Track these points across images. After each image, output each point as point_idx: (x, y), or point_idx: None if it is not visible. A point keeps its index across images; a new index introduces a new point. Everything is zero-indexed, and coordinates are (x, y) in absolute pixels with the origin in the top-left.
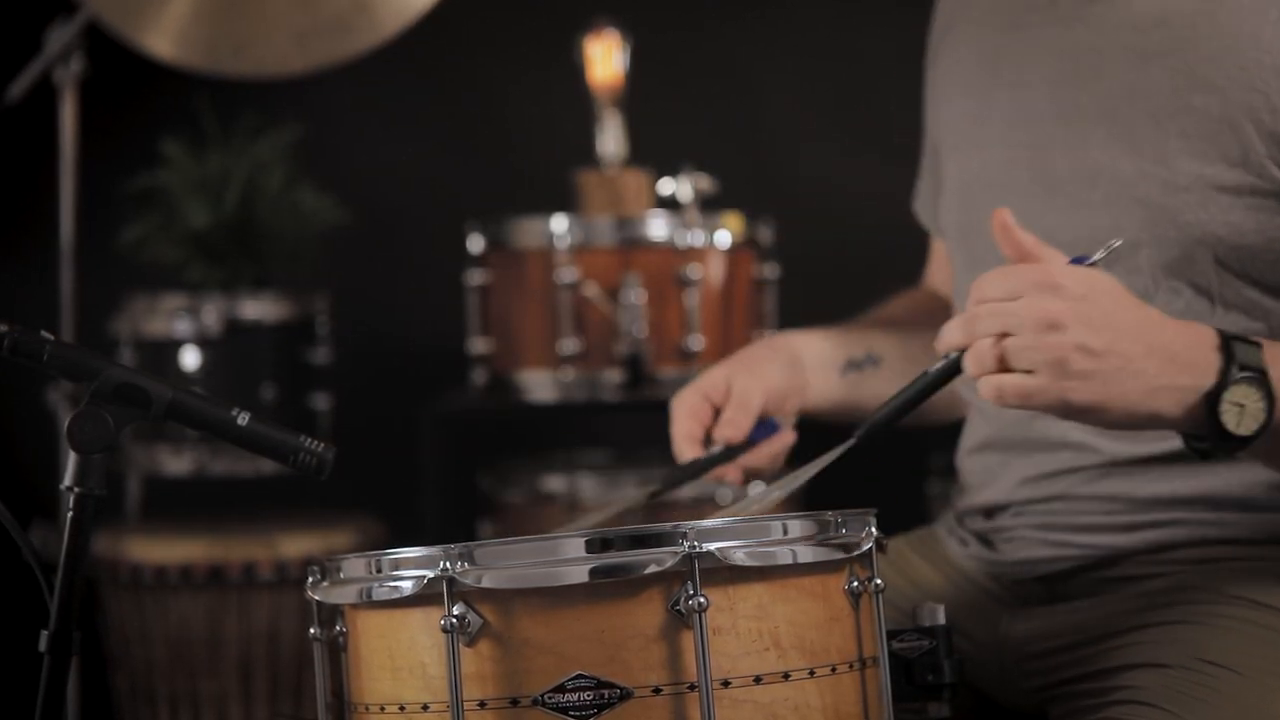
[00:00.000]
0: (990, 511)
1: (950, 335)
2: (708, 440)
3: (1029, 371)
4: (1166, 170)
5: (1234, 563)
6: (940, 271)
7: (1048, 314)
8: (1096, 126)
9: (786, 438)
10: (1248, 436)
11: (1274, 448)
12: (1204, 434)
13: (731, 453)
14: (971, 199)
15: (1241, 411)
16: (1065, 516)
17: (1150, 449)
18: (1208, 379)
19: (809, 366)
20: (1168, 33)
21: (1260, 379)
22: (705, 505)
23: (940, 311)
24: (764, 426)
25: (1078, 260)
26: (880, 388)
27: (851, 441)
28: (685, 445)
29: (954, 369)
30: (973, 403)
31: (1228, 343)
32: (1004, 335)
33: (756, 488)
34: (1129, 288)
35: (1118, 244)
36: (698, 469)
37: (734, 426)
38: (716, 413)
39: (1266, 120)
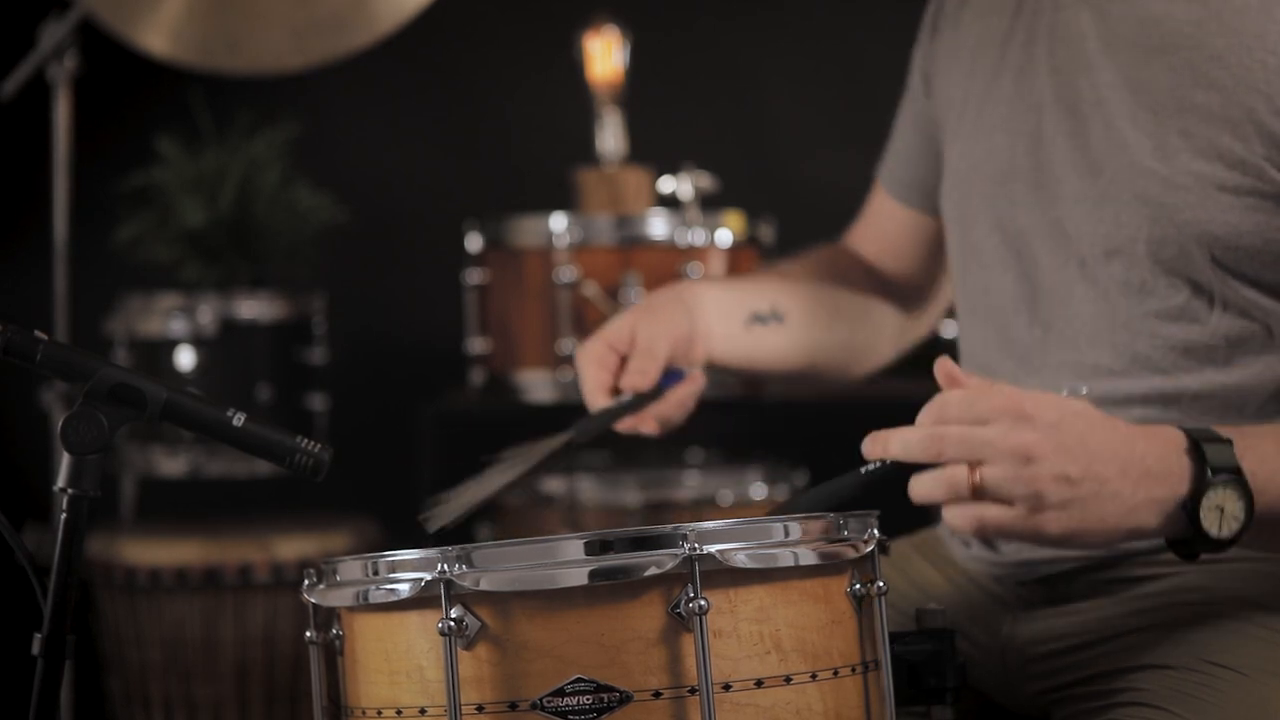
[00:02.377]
0: None
1: (906, 447)
2: (617, 391)
3: (1006, 503)
4: (1166, 167)
5: (1238, 564)
6: (871, 232)
7: (1023, 445)
8: (1096, 117)
9: (695, 383)
10: (1229, 539)
11: (1263, 537)
12: (1188, 538)
13: (641, 400)
14: (972, 187)
15: (1221, 515)
16: None
17: None
18: (1183, 487)
19: (712, 315)
20: (1172, 28)
21: (1236, 479)
22: (705, 507)
23: (852, 270)
24: (671, 375)
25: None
26: (781, 343)
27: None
28: (596, 395)
29: (892, 475)
30: None
31: (1197, 446)
32: (976, 463)
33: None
34: (1128, 281)
35: (1084, 390)
36: (609, 417)
37: (642, 375)
38: (624, 362)
39: (1268, 122)
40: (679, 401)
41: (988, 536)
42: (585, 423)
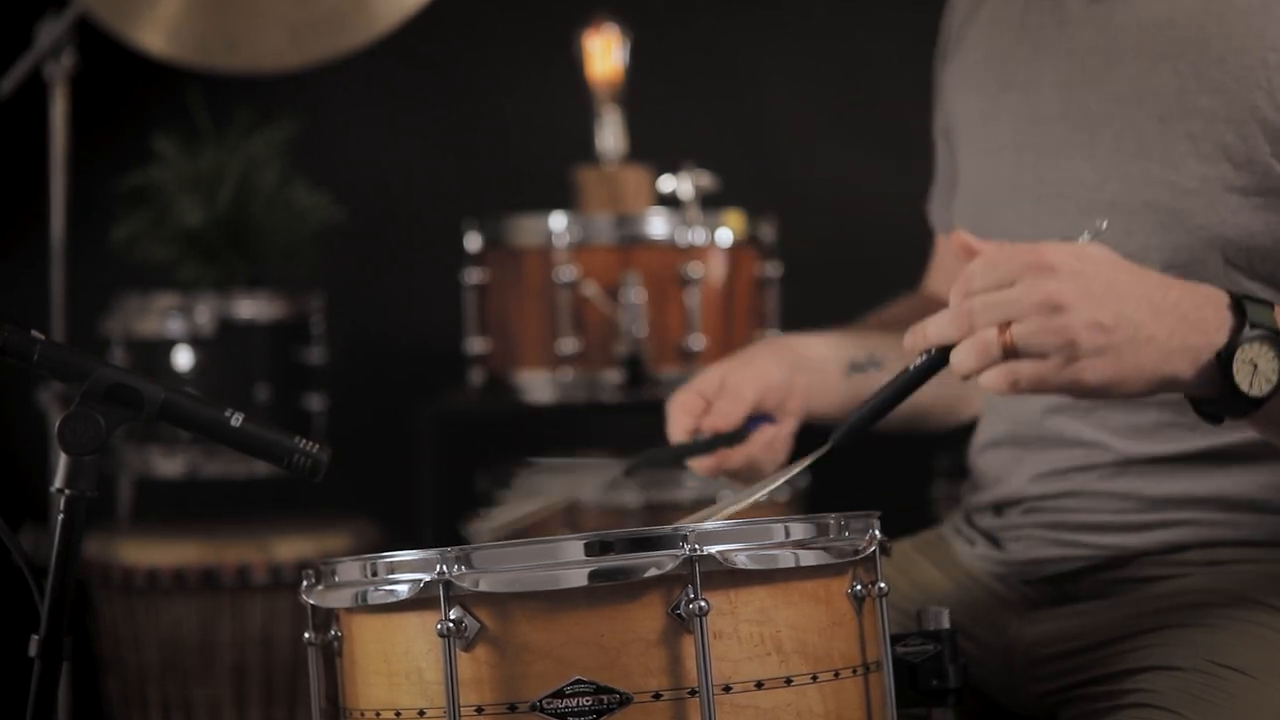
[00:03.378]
0: (1000, 507)
1: (940, 330)
2: (699, 433)
3: (1040, 357)
4: (1174, 173)
5: (1246, 565)
6: (941, 274)
7: (1049, 296)
8: (1104, 129)
9: (784, 428)
10: (1260, 397)
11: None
12: (1216, 395)
13: (719, 441)
14: (982, 203)
15: (1255, 371)
16: (1076, 514)
17: (1164, 449)
18: (1220, 337)
19: (810, 368)
20: (1175, 34)
21: (1274, 338)
22: (705, 508)
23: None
24: (759, 419)
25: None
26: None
27: (827, 446)
28: (679, 436)
29: (938, 364)
30: (987, 400)
31: (1239, 301)
32: (1006, 324)
33: (726, 495)
34: None
35: (1104, 225)
36: (682, 452)
37: (724, 417)
38: (710, 409)
39: (1271, 118)
40: (767, 444)
41: (1024, 391)
42: (655, 453)
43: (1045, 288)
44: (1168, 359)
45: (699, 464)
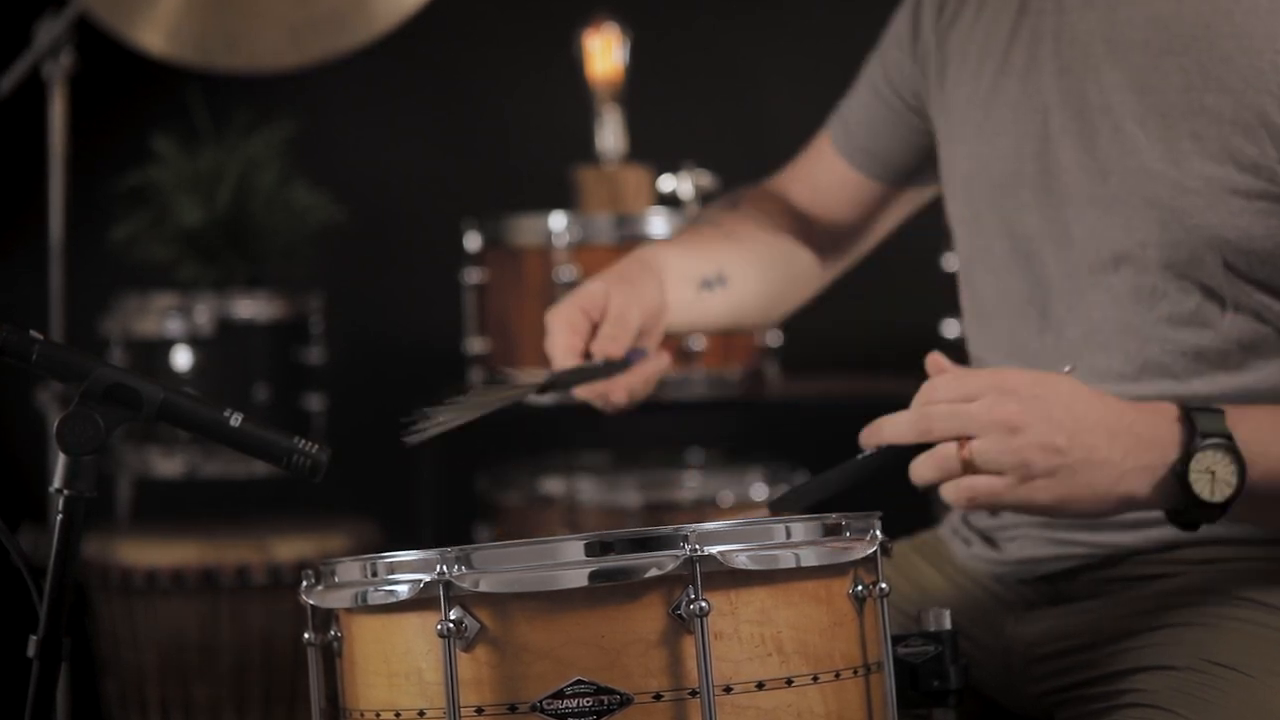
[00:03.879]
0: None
1: (896, 430)
2: (587, 356)
3: (996, 474)
4: (1177, 171)
5: (1241, 563)
6: (807, 179)
7: (1008, 416)
8: (1104, 120)
9: (661, 361)
10: (1223, 503)
11: (1260, 509)
12: (1181, 507)
13: (611, 368)
14: (978, 191)
15: (1213, 479)
16: None
17: None
18: (1172, 452)
19: (673, 284)
20: (1181, 29)
21: (1226, 444)
22: (707, 508)
23: (782, 220)
24: (639, 351)
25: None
26: (720, 307)
27: (767, 512)
28: (565, 358)
29: (886, 462)
30: None
31: (1189, 414)
32: (965, 438)
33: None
34: (1139, 287)
35: (1067, 369)
36: (579, 376)
37: (614, 342)
38: (594, 329)
39: (1279, 123)
40: (645, 377)
41: (981, 508)
42: (557, 376)
43: (1005, 408)
44: (1122, 479)
45: (588, 390)
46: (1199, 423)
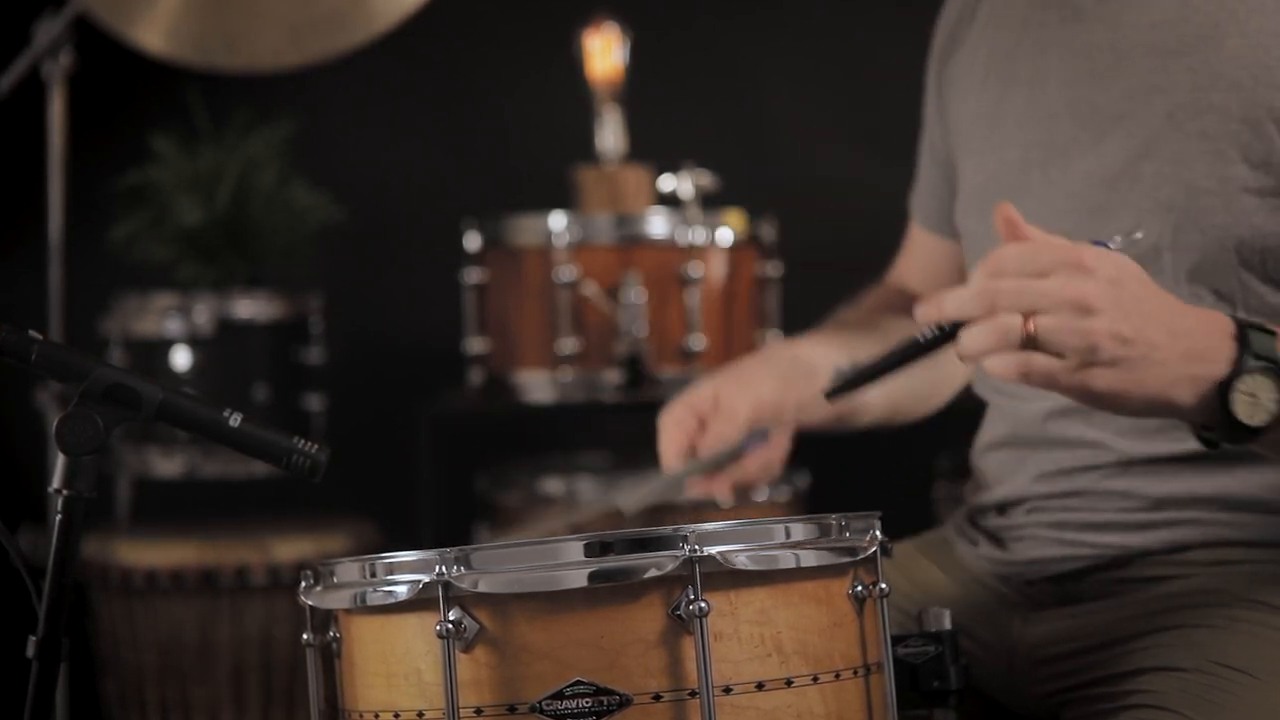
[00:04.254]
0: (1004, 507)
1: (960, 305)
2: (694, 455)
3: (1057, 354)
4: (1187, 172)
5: (1249, 565)
6: (915, 265)
7: (1082, 296)
8: (1114, 127)
9: (779, 445)
10: (1259, 428)
11: None
12: (1215, 423)
13: (719, 461)
14: (986, 203)
15: (1254, 402)
16: (1080, 513)
17: (1168, 449)
18: (1221, 368)
19: (802, 378)
20: (1187, 30)
21: (1274, 370)
22: (706, 509)
23: (908, 308)
24: (755, 435)
25: (1097, 244)
26: (865, 397)
27: (823, 405)
28: (670, 458)
29: (949, 339)
30: (990, 402)
31: (1243, 331)
32: (1030, 313)
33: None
34: None
35: (1139, 235)
36: (682, 476)
37: (719, 439)
38: (703, 426)
39: None
40: (763, 464)
41: (1032, 384)
42: (656, 485)
43: (1080, 287)
44: (1173, 384)
45: (696, 485)
46: (1252, 342)
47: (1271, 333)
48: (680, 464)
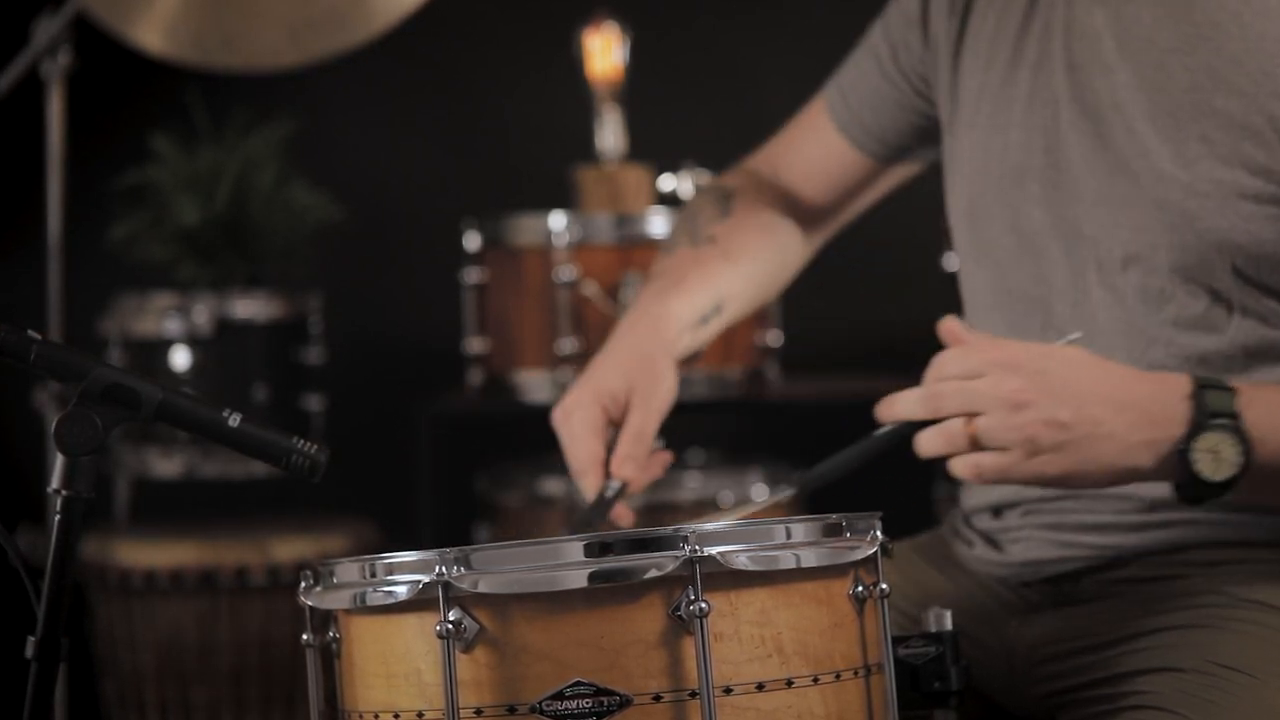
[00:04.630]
0: (999, 510)
1: (909, 407)
2: (610, 482)
3: (1002, 450)
4: (1187, 173)
5: (1246, 565)
6: (803, 157)
7: (1012, 393)
8: (1117, 120)
9: (663, 459)
10: (1225, 482)
11: (1267, 490)
12: (1183, 482)
13: (624, 488)
14: (985, 183)
15: (1216, 458)
16: (1075, 515)
17: None
18: (1178, 429)
19: (675, 333)
20: (1189, 28)
21: (1232, 425)
22: (707, 509)
23: (775, 204)
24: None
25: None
26: (716, 328)
27: (791, 491)
28: (590, 469)
29: (902, 436)
30: None
31: (1199, 391)
32: (972, 414)
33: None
34: (1146, 289)
35: (1076, 336)
36: (604, 509)
37: (633, 463)
38: (612, 429)
39: None
40: (649, 479)
41: (989, 482)
42: (585, 514)
43: (1009, 384)
44: (1127, 453)
45: (619, 516)
46: (1209, 401)
47: (1230, 389)
48: (597, 475)
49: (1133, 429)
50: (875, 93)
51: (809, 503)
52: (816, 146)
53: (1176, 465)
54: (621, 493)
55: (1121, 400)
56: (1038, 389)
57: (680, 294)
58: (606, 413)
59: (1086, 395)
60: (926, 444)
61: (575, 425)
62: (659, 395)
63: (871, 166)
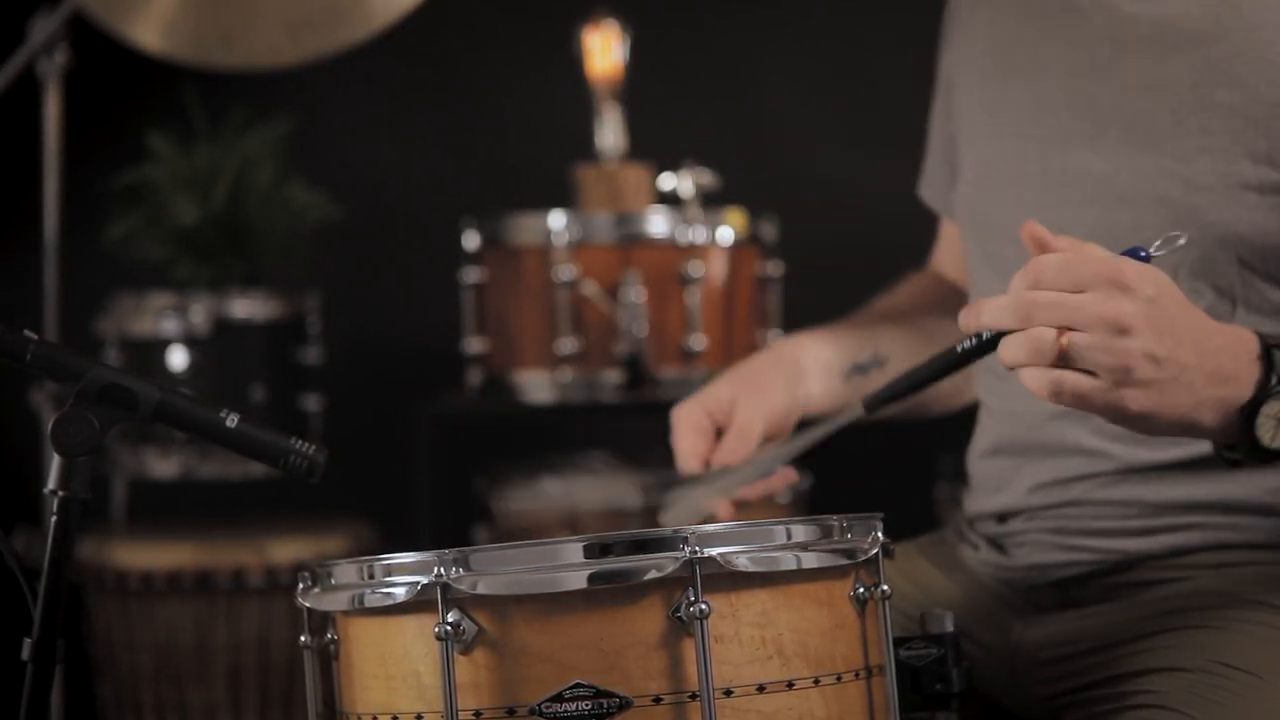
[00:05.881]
0: (1003, 516)
1: (996, 316)
2: (707, 464)
3: (1090, 373)
4: (1188, 168)
5: (1251, 567)
6: (948, 254)
7: (1120, 316)
8: (1113, 121)
9: (785, 479)
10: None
11: None
12: (1238, 445)
13: (750, 478)
14: (985, 192)
15: (1278, 425)
16: (1079, 521)
17: (1166, 455)
18: (1246, 391)
19: (812, 373)
20: (1189, 26)
21: None
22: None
23: (949, 297)
24: (776, 461)
25: (1133, 252)
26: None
27: (859, 410)
28: (690, 463)
29: (987, 349)
30: (984, 404)
31: (1269, 353)
32: (1066, 329)
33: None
34: None
35: (1181, 240)
36: (699, 485)
37: (733, 455)
38: (718, 431)
39: None
40: (765, 490)
41: (1065, 404)
42: (678, 488)
43: (1118, 306)
44: (1198, 406)
45: (716, 505)
46: (1278, 365)
47: None
48: (694, 465)
49: (1208, 382)
50: (943, 165)
51: (810, 504)
52: (945, 242)
53: (1238, 426)
54: (743, 481)
55: (1204, 349)
56: (1145, 316)
57: (816, 336)
58: (711, 417)
59: (1183, 336)
60: (1009, 352)
61: (679, 422)
62: (766, 404)
63: None
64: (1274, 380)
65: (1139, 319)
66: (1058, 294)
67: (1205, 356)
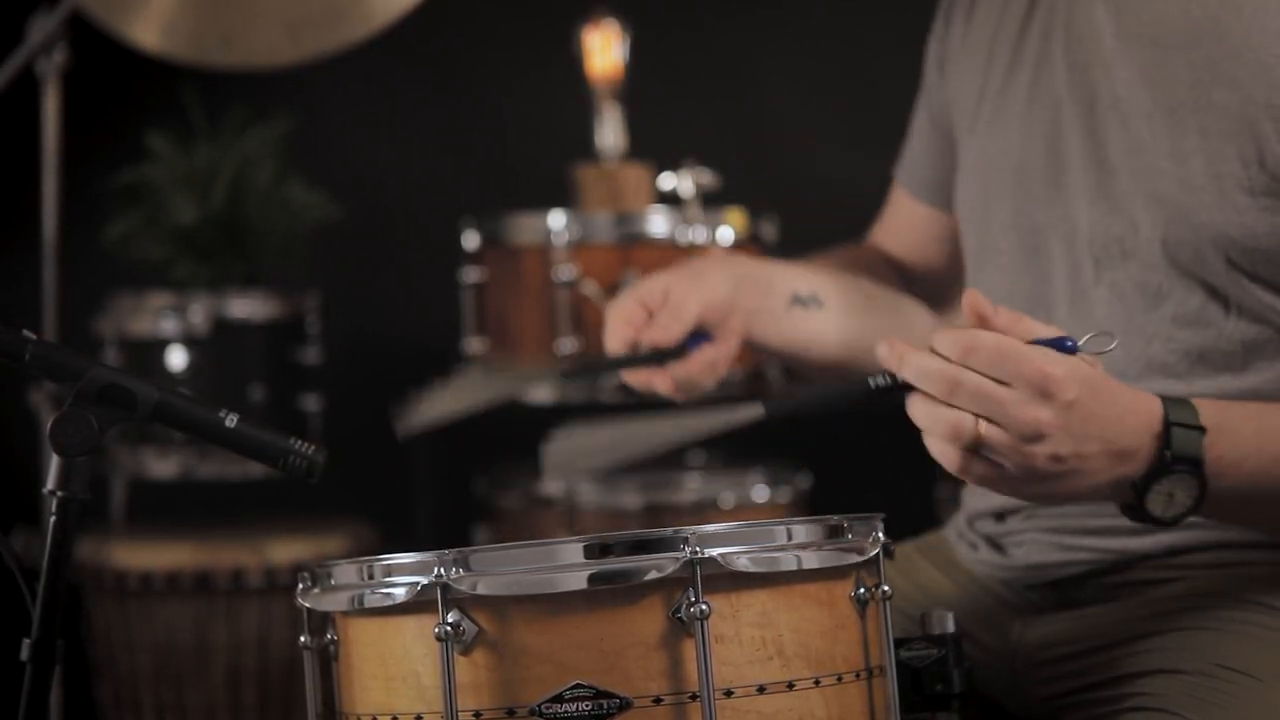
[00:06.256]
0: (1001, 515)
1: (919, 372)
2: (638, 346)
3: (997, 463)
4: (1182, 168)
5: (1249, 567)
6: (895, 232)
7: (1036, 423)
8: (1113, 116)
9: (724, 348)
10: (1172, 520)
11: (1219, 513)
12: (1134, 510)
13: (660, 356)
14: (988, 184)
15: (1170, 500)
16: (1078, 519)
17: None
18: (1143, 467)
19: (756, 291)
20: (1190, 24)
21: (1192, 471)
22: (707, 510)
23: (882, 270)
24: (699, 337)
25: (1059, 343)
26: (819, 329)
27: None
28: (615, 345)
29: (896, 394)
30: None
31: (1168, 430)
32: (984, 418)
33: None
34: (1143, 284)
35: (1110, 346)
36: (619, 363)
37: (664, 331)
38: (651, 319)
39: None
40: (707, 364)
41: (968, 481)
42: (588, 360)
43: (1036, 413)
44: (1095, 488)
45: (635, 376)
46: (1175, 444)
47: (1200, 429)
48: (622, 350)
49: (1110, 464)
50: (930, 148)
51: (811, 504)
52: (901, 217)
53: (1130, 496)
54: (651, 360)
55: (1110, 440)
56: (1060, 423)
57: (764, 263)
58: (643, 305)
59: (1093, 430)
60: (923, 417)
61: (610, 313)
62: (704, 288)
63: (942, 217)
64: (1168, 455)
65: (1054, 426)
66: (984, 383)
67: (1111, 441)
